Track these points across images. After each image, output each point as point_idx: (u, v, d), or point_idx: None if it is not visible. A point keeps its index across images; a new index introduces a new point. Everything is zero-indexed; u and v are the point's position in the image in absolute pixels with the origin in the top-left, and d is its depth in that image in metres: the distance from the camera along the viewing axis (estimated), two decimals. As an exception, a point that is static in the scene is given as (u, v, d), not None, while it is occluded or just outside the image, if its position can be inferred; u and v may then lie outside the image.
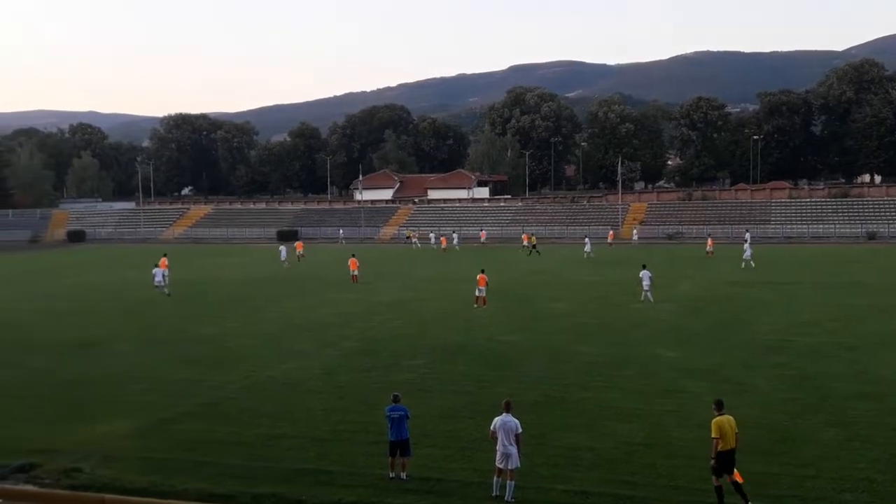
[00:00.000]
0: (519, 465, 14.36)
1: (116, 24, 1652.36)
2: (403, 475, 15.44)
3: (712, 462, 13.96)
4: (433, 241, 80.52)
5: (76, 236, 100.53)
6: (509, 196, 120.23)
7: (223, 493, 14.46)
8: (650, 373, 23.82)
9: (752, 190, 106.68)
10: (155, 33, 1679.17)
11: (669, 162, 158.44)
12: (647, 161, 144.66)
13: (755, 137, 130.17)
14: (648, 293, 38.33)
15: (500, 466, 14.35)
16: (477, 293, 37.60)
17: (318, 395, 22.02)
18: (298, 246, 69.48)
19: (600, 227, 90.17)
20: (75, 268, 58.05)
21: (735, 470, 13.88)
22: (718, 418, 14.09)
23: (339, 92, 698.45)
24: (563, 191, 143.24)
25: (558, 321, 33.39)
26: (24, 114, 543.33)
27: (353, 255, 51.33)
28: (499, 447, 14.35)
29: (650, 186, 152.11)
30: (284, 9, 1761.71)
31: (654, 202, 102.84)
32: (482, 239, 75.51)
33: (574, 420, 19.07)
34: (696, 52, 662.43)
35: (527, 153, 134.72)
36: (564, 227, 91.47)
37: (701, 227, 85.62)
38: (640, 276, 38.99)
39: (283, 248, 63.66)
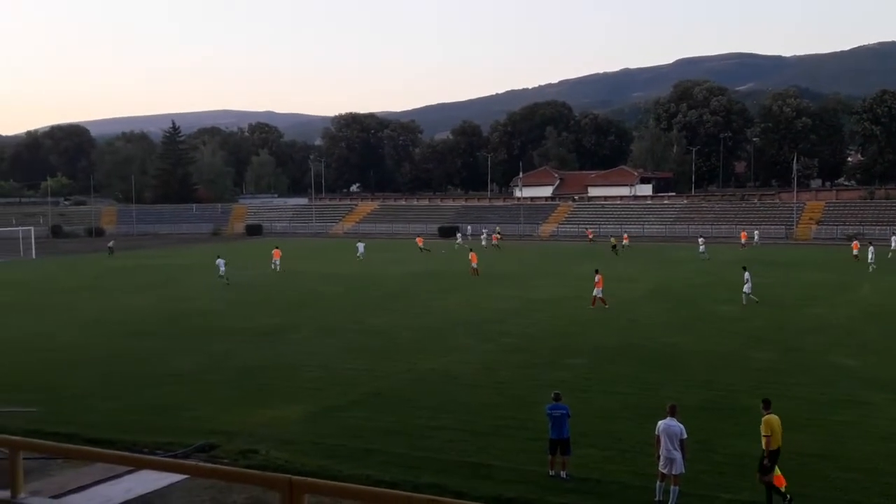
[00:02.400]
0: (683, 470, 14.03)
1: (292, 31, 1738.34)
2: (563, 474, 15.44)
3: (765, 461, 14.01)
4: (483, 239, 77.82)
5: (253, 230, 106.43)
6: (674, 193, 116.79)
7: (388, 480, 14.98)
8: (826, 381, 22.59)
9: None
10: (326, 38, 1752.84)
11: (850, 159, 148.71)
12: (825, 157, 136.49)
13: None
14: (751, 295, 36.98)
15: (664, 471, 14.07)
16: (594, 293, 36.83)
17: (478, 390, 22.35)
18: (419, 241, 74.87)
19: (772, 226, 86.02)
20: (253, 259, 61.58)
21: (777, 472, 13.87)
22: (768, 416, 14.36)
23: (501, 90, 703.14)
24: (731, 188, 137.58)
25: (725, 324, 32.20)
26: (207, 113, 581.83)
27: (472, 250, 55.39)
28: (662, 452, 14.07)
29: (828, 184, 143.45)
30: (447, 11, 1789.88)
31: (833, 201, 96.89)
32: (625, 242, 73.01)
33: (742, 427, 18.38)
34: (880, 43, 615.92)
35: (693, 149, 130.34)
36: (733, 226, 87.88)
37: (884, 227, 79.85)
38: (745, 277, 37.46)
39: (360, 245, 66.61)
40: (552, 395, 16.26)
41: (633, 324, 32.79)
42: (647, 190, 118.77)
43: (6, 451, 5.19)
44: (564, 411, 15.75)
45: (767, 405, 14.78)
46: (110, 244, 78.64)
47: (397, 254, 70.70)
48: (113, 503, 13.84)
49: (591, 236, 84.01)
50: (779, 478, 13.92)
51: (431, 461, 16.46)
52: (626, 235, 77.09)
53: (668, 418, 14.29)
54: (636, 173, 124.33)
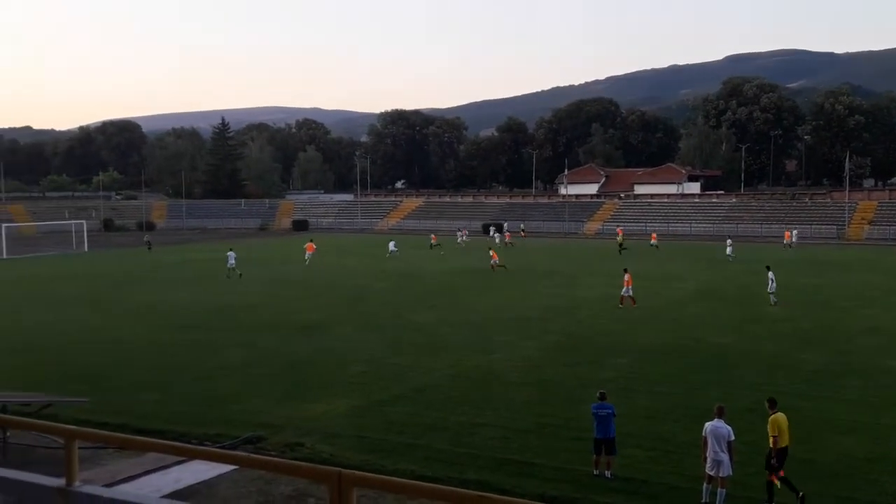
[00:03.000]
0: (731, 473, 13.84)
1: (339, 29, 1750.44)
2: (608, 474, 15.34)
3: (773, 460, 14.14)
4: (460, 239, 77.47)
5: (300, 225, 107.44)
6: (722, 192, 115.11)
7: (432, 476, 15.04)
8: (878, 384, 22.10)
9: None
10: (374, 36, 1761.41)
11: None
12: (878, 156, 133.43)
13: None
14: (773, 295, 36.50)
15: (711, 473, 13.89)
16: (623, 293, 36.50)
17: (521, 387, 22.30)
18: (507, 235, 76.63)
19: (823, 226, 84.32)
20: (298, 254, 62.13)
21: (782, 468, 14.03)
22: (775, 416, 14.46)
23: (547, 87, 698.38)
24: (781, 187, 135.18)
25: (774, 325, 31.67)
26: (255, 110, 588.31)
27: (491, 248, 56.60)
28: (709, 454, 13.89)
29: (881, 184, 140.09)
30: (494, 8, 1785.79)
31: (886, 200, 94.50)
32: (653, 241, 70.83)
33: (791, 430, 18.08)
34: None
35: (743, 147, 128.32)
36: (783, 226, 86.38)
37: (941, 228, 77.77)
38: (769, 277, 36.97)
39: (391, 244, 66.18)
40: (597, 394, 16.17)
41: (680, 323, 32.42)
42: (694, 188, 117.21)
43: (61, 440, 5.33)
44: (610, 411, 15.65)
45: (773, 404, 14.87)
46: (147, 238, 79.14)
47: (441, 250, 70.76)
48: (162, 493, 14.11)
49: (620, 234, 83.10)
50: (773, 476, 14.12)
51: (475, 458, 16.49)
52: (654, 234, 74.70)
53: (716, 420, 14.12)
54: (684, 171, 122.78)
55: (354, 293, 42.26)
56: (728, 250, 61.80)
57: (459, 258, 62.93)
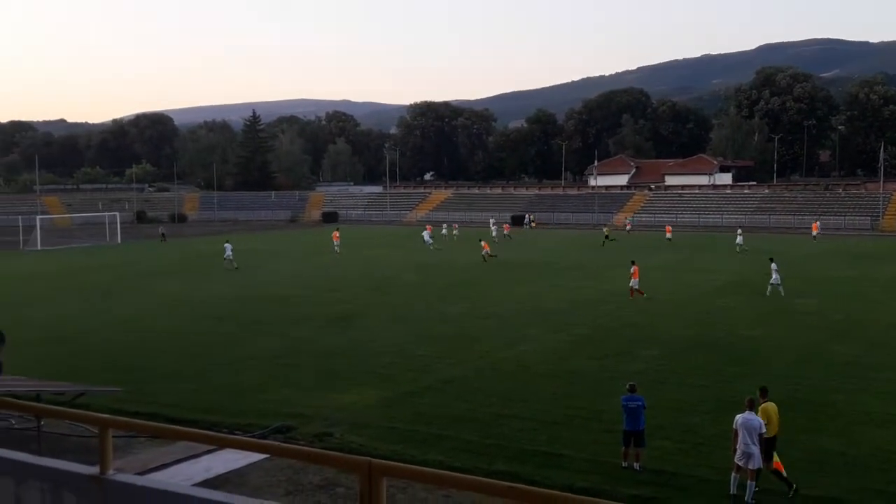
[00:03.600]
0: (761, 465, 13.76)
1: (368, 20, 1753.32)
2: (637, 466, 15.31)
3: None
4: (445, 232, 75.53)
5: (330, 217, 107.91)
6: (754, 182, 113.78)
7: (460, 467, 15.09)
8: (913, 378, 21.77)
9: None
10: (403, 28, 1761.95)
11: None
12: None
13: None
14: (779, 287, 36.11)
15: (740, 464, 13.82)
16: (631, 284, 36.33)
17: (549, 379, 22.28)
18: (506, 227, 77.19)
19: (857, 217, 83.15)
20: (328, 246, 62.42)
21: (776, 458, 14.19)
22: (765, 404, 14.68)
23: (577, 77, 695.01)
24: (815, 178, 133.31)
25: (806, 317, 31.32)
26: (286, 102, 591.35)
27: (482, 240, 57.26)
28: (739, 445, 13.81)
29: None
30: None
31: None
32: (668, 235, 67.90)
33: (823, 423, 17.93)
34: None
35: (776, 137, 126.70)
36: (815, 217, 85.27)
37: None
38: (773, 268, 36.71)
39: (428, 235, 65.90)
40: (627, 386, 16.11)
41: (709, 315, 32.18)
42: (726, 179, 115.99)
43: (94, 429, 5.43)
44: (640, 403, 15.60)
45: (764, 393, 15.15)
46: (161, 230, 79.00)
47: (470, 242, 70.73)
48: (194, 481, 14.30)
49: (629, 227, 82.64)
50: (778, 464, 14.21)
51: (503, 449, 16.52)
52: (668, 227, 72.33)
53: (747, 412, 14.04)
54: (715, 162, 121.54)
55: (383, 284, 42.41)
56: (738, 240, 60.79)
57: (496, 250, 62.79)
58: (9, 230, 78.12)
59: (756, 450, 13.72)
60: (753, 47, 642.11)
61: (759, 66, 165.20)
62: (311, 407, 19.66)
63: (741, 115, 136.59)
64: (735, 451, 13.90)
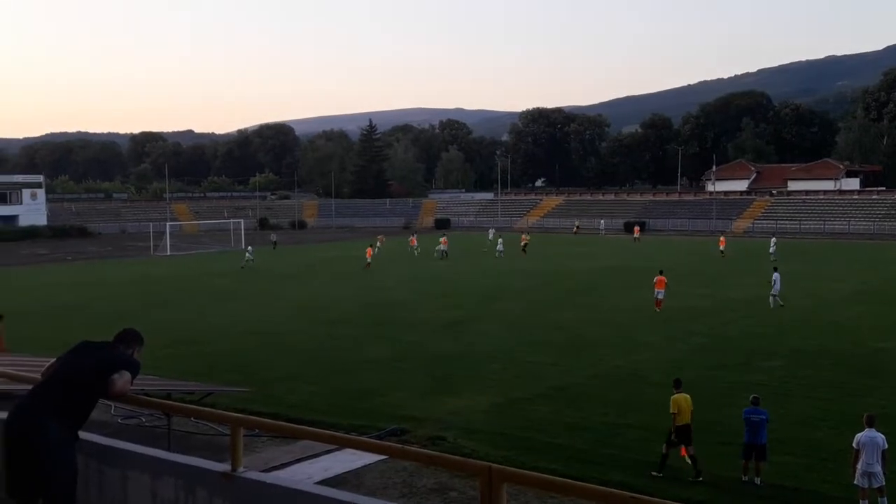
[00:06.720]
0: (883, 483, 13.13)
1: (481, 31, 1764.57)
2: (757, 480, 14.86)
3: (671, 435, 15.42)
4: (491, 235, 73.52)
5: (442, 223, 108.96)
6: (883, 188, 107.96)
7: (575, 476, 15.01)
8: None
9: None
10: (515, 37, 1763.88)
11: None
12: None
13: None
14: (777, 297, 34.49)
15: (862, 485, 13.21)
16: (655, 295, 34.70)
17: (666, 389, 21.58)
18: (636, 230, 78.61)
19: None
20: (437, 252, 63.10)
21: (690, 445, 15.30)
22: (676, 396, 15.69)
23: (694, 80, 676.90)
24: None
25: (943, 330, 29.53)
26: (401, 111, 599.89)
27: (443, 237, 62.78)
28: (860, 465, 13.18)
29: None
30: (638, 1, 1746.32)
31: None
32: (721, 247, 60.26)
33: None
34: None
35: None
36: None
37: None
38: (773, 278, 34.83)
39: (499, 242, 65.22)
40: (750, 398, 15.66)
41: (836, 326, 30.82)
42: (853, 184, 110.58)
43: (220, 427, 5.76)
44: (764, 416, 15.12)
45: (678, 384, 16.16)
46: (273, 237, 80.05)
47: (583, 248, 70.05)
48: (313, 480, 14.76)
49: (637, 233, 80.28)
50: (683, 450, 15.45)
51: (618, 459, 16.34)
52: (722, 239, 63.30)
53: (868, 430, 13.38)
54: (842, 166, 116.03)
55: (494, 291, 42.54)
56: (771, 248, 57.23)
57: (611, 257, 62.04)
58: (141, 236, 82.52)
59: (879, 468, 13.10)
60: (881, 48, 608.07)
61: (887, 67, 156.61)
62: (424, 410, 19.95)
63: (869, 118, 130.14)
64: (855, 471, 13.28)
